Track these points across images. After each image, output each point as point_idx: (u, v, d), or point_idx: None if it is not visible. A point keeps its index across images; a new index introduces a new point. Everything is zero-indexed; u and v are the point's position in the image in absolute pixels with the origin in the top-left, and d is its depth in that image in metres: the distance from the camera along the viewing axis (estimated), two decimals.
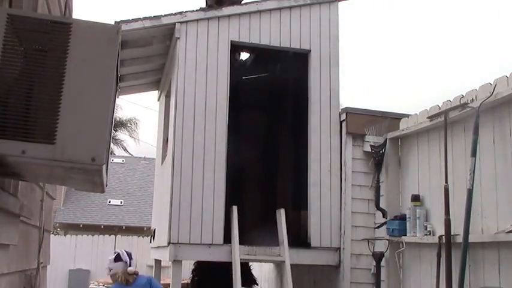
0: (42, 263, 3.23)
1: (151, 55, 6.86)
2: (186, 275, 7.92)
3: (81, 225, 18.38)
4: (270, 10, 6.09)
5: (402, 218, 5.09)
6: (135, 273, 4.42)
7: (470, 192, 4.08)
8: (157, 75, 7.61)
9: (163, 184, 6.46)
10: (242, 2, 6.88)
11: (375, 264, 5.45)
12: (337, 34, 6.27)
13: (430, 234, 4.69)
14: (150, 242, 7.75)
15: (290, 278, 5.32)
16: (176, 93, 5.76)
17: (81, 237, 14.94)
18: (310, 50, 6.16)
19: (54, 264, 11.11)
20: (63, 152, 1.72)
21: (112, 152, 22.90)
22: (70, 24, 1.85)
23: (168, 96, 7.05)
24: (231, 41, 5.95)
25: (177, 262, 5.50)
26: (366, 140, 5.77)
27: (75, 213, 19.04)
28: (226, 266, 5.47)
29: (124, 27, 5.49)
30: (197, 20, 5.89)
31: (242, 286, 5.20)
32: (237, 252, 5.36)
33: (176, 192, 5.53)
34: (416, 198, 4.98)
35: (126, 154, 25.45)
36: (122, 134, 25.94)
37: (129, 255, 4.48)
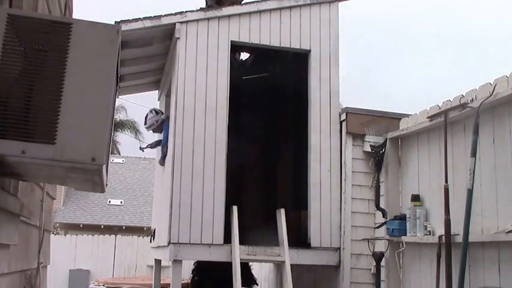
0: (42, 263, 3.23)
1: (152, 55, 6.86)
2: (186, 275, 7.92)
3: (81, 225, 18.39)
4: (270, 10, 6.09)
5: (402, 218, 5.09)
6: None
7: (470, 192, 4.08)
8: (157, 75, 7.61)
9: (164, 184, 6.45)
10: (242, 2, 6.89)
11: (374, 264, 5.45)
12: (337, 34, 6.27)
13: (430, 234, 4.69)
14: (150, 242, 7.75)
15: (290, 278, 5.32)
16: (176, 93, 5.76)
17: (81, 237, 14.94)
18: (310, 50, 6.15)
19: (54, 264, 11.09)
20: (63, 152, 1.72)
21: (112, 152, 22.85)
22: (70, 24, 1.86)
23: (168, 96, 7.05)
24: (231, 41, 5.95)
25: (177, 262, 5.49)
26: (366, 140, 5.77)
27: (75, 213, 19.05)
28: (226, 266, 5.47)
29: (124, 27, 5.48)
30: (197, 20, 5.89)
31: (242, 286, 5.20)
32: (237, 252, 5.35)
33: (176, 192, 5.53)
34: (416, 198, 4.98)
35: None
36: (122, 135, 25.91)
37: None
